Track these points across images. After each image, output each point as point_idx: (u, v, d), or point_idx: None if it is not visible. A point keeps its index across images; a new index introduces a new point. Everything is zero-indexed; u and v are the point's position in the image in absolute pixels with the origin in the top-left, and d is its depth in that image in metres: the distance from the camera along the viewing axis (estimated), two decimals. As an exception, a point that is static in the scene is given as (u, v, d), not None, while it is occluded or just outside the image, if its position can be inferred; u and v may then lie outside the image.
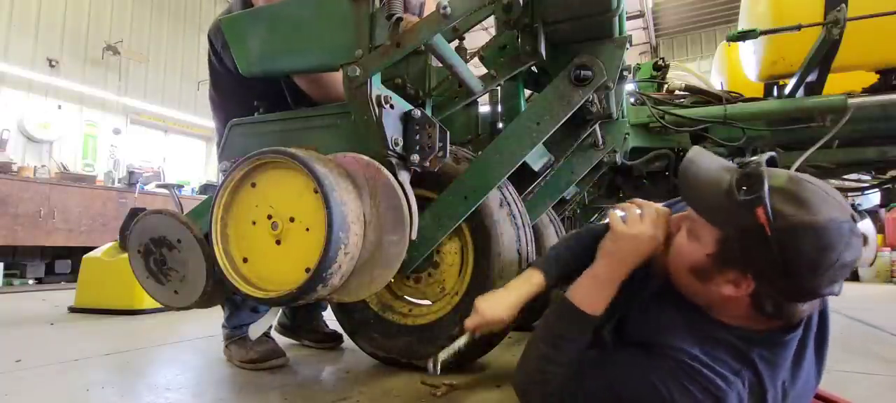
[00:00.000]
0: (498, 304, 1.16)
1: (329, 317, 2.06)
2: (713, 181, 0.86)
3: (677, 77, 3.38)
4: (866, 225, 4.20)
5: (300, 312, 2.13)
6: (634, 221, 0.99)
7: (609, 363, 0.94)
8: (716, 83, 3.49)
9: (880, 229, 6.26)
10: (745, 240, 0.81)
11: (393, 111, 1.31)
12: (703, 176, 0.88)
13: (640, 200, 1.05)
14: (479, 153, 1.50)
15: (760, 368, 0.85)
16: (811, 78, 2.16)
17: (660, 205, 1.04)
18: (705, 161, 0.91)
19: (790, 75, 2.26)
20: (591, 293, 0.99)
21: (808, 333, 0.89)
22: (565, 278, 1.16)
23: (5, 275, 5.31)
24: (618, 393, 0.89)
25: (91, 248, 3.52)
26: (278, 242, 1.26)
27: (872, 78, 2.22)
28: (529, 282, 1.19)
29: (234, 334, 1.82)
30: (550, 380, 0.97)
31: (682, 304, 0.94)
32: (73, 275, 5.58)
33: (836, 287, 0.80)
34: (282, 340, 2.05)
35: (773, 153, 0.87)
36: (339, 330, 1.93)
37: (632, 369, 0.90)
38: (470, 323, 1.18)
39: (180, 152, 8.35)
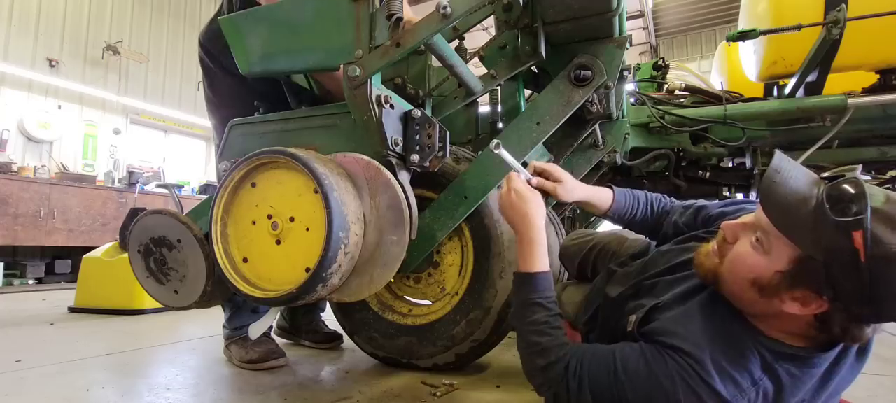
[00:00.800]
0: (566, 177, 1.27)
1: (328, 317, 2.06)
2: (800, 196, 0.79)
3: (677, 77, 3.37)
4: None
5: (298, 313, 2.13)
6: (505, 201, 1.14)
7: (618, 351, 0.92)
8: (716, 83, 3.49)
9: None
10: (831, 264, 0.75)
11: (393, 111, 1.31)
12: (789, 189, 0.81)
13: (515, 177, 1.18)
14: (479, 153, 1.50)
15: (784, 382, 0.82)
16: (811, 78, 2.15)
17: (515, 177, 1.17)
18: (792, 172, 0.83)
19: (790, 75, 2.26)
20: (523, 257, 1.10)
21: (846, 354, 0.86)
22: (626, 218, 1.31)
23: (5, 275, 5.31)
24: (622, 385, 0.87)
25: (91, 248, 3.52)
26: (278, 242, 1.25)
27: (872, 78, 2.22)
28: (600, 190, 1.31)
29: (235, 335, 1.82)
30: (545, 351, 0.97)
31: (719, 306, 0.91)
32: (73, 275, 5.58)
33: None
34: (280, 341, 2.05)
35: (860, 166, 0.83)
36: (339, 329, 1.93)
37: (640, 361, 0.88)
38: (538, 163, 1.30)
39: (180, 152, 8.34)
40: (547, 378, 0.96)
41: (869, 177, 2.81)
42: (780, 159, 0.86)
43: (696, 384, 0.81)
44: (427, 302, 1.72)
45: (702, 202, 1.24)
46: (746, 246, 0.87)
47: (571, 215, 3.16)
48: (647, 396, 0.85)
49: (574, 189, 1.27)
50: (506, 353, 1.90)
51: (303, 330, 2.14)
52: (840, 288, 0.76)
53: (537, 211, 1.13)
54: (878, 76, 2.20)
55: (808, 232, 0.78)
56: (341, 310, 1.76)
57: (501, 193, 1.17)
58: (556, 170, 1.27)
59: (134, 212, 1.65)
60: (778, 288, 0.81)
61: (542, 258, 1.10)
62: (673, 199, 1.33)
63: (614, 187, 1.31)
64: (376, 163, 1.28)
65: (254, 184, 1.30)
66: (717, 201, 1.24)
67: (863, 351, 0.89)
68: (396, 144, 1.32)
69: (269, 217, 1.26)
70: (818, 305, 0.78)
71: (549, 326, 1.02)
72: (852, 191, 0.75)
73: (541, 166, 1.28)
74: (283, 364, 1.77)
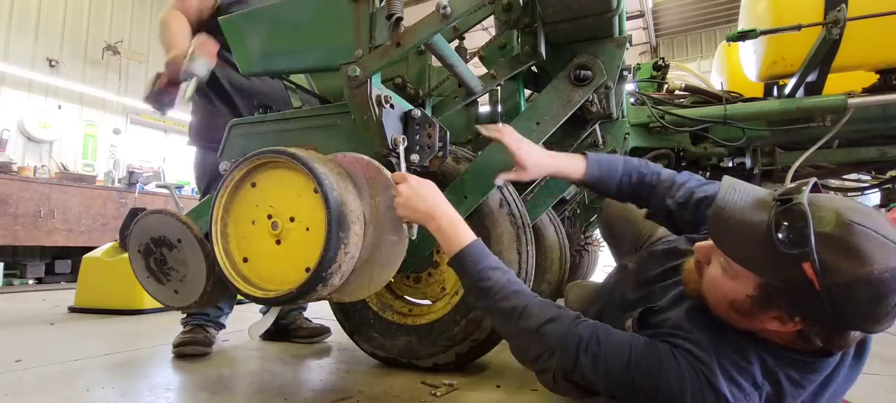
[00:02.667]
0: (531, 150, 1.23)
1: (318, 314, 2.06)
2: (750, 226, 0.78)
3: (677, 77, 3.37)
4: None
5: (280, 317, 2.19)
6: (404, 201, 1.13)
7: (633, 344, 0.91)
8: (716, 83, 3.49)
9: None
10: (791, 290, 0.75)
11: (393, 111, 1.31)
12: (736, 222, 0.80)
13: (398, 177, 1.17)
14: (479, 153, 1.50)
15: (784, 386, 0.82)
16: (811, 78, 2.15)
17: (405, 177, 1.14)
18: (739, 202, 0.82)
19: (790, 75, 2.26)
20: (450, 240, 1.10)
21: (845, 358, 0.86)
22: (601, 188, 1.24)
23: (5, 275, 5.31)
24: (633, 378, 0.87)
25: (91, 248, 3.52)
26: (278, 242, 1.25)
27: (872, 78, 2.22)
28: (570, 159, 1.24)
29: (187, 321, 1.97)
30: (527, 311, 0.96)
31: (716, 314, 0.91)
32: (73, 275, 5.58)
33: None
34: (276, 345, 2.09)
35: (814, 179, 0.80)
36: (326, 323, 1.95)
37: (653, 358, 0.87)
38: (489, 130, 1.27)
39: (180, 152, 8.33)
40: (545, 343, 0.93)
41: (869, 177, 2.81)
42: (725, 191, 0.84)
43: (703, 386, 0.82)
44: (427, 301, 1.72)
45: (700, 192, 1.16)
46: (718, 270, 0.86)
47: (572, 215, 3.16)
48: (656, 389, 0.85)
49: (537, 165, 1.23)
50: (506, 353, 1.90)
51: (289, 330, 2.19)
52: (806, 310, 0.76)
53: (437, 193, 1.15)
54: (878, 76, 2.20)
55: (763, 261, 0.77)
56: (341, 310, 1.76)
57: (397, 200, 1.15)
58: (511, 149, 1.23)
59: (134, 212, 1.64)
60: (753, 310, 0.81)
61: (465, 229, 1.11)
62: (661, 170, 1.24)
63: (589, 154, 1.25)
64: (376, 163, 1.28)
65: (254, 184, 1.30)
66: (700, 179, 1.19)
67: (860, 352, 0.89)
68: (396, 144, 1.32)
69: (269, 217, 1.26)
70: (794, 324, 0.78)
71: (513, 283, 1.02)
72: (797, 217, 0.73)
73: (494, 132, 1.26)
74: (202, 354, 1.86)
